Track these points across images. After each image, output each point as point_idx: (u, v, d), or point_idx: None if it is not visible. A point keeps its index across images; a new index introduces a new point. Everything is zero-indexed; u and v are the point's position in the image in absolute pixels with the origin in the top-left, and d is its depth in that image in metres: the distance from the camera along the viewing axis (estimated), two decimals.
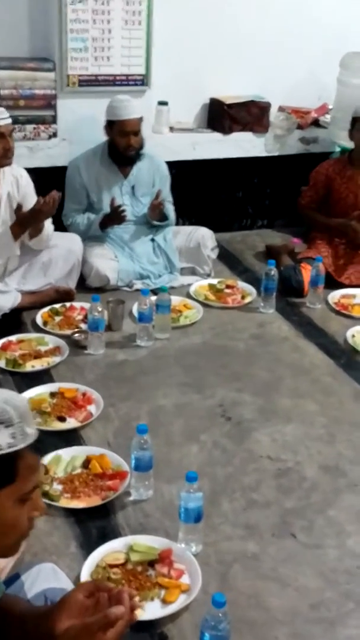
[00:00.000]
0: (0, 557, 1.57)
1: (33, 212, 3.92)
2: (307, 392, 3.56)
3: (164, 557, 2.43)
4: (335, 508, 2.81)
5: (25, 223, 3.96)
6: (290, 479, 2.95)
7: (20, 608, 1.66)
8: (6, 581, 1.82)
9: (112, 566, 2.39)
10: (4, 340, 3.75)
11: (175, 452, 3.07)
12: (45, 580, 1.85)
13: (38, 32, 4.64)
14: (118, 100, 4.39)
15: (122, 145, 4.42)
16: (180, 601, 2.31)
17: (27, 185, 4.13)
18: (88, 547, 2.51)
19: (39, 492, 1.56)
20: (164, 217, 4.59)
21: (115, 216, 4.40)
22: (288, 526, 2.71)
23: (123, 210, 4.37)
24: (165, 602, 2.30)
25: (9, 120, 3.91)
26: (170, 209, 4.67)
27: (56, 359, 3.65)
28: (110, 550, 2.46)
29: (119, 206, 4.37)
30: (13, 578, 1.84)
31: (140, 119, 4.41)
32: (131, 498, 2.77)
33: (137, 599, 2.23)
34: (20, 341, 3.77)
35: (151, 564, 2.42)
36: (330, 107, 5.45)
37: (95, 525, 2.63)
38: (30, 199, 4.04)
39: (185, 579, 2.39)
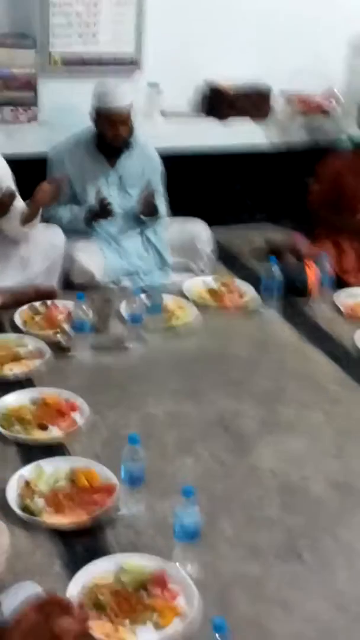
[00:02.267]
0: None
1: None
2: (313, 402, 3.56)
3: (158, 578, 2.41)
4: (345, 527, 2.80)
5: None
6: (295, 495, 2.95)
7: None
8: None
9: (100, 587, 2.37)
10: None
11: (169, 465, 3.06)
12: (26, 594, 1.84)
13: (17, 5, 4.65)
14: (105, 85, 4.38)
15: (109, 135, 4.40)
16: (175, 625, 2.29)
17: (5, 173, 4.14)
18: (73, 566, 2.49)
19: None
20: (154, 211, 4.59)
21: (101, 210, 4.39)
22: (293, 546, 2.70)
23: (109, 204, 4.37)
24: (158, 626, 2.29)
25: None
26: (161, 202, 4.67)
27: (37, 362, 3.63)
28: (98, 570, 2.44)
29: (105, 199, 4.36)
30: None
31: (130, 106, 4.40)
32: (120, 513, 2.75)
33: (127, 622, 2.24)
34: None
35: (143, 585, 2.40)
36: (338, 93, 5.47)
37: (81, 543, 2.61)
38: (4, 185, 4.05)
39: (180, 602, 2.37)
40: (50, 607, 1.58)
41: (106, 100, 4.34)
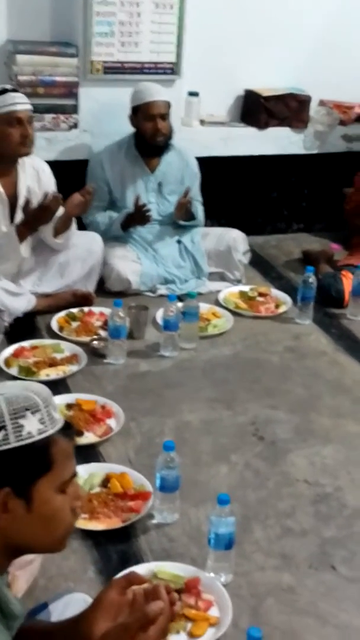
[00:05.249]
0: (48, 552, 1.64)
1: (40, 209, 3.91)
2: (348, 412, 3.53)
3: (191, 587, 2.39)
4: None
5: (31, 222, 3.95)
6: (330, 505, 2.91)
7: (42, 625, 1.67)
8: (32, 610, 1.81)
9: None
10: (16, 346, 3.74)
11: (203, 473, 3.04)
12: (75, 611, 1.82)
13: (61, 15, 4.65)
14: (141, 85, 4.43)
15: (148, 131, 4.39)
16: (209, 635, 2.27)
17: (49, 181, 4.14)
18: (107, 572, 2.49)
19: (77, 481, 1.56)
20: (191, 217, 4.58)
21: (138, 216, 4.38)
22: (327, 557, 2.67)
23: (147, 210, 4.36)
24: (192, 635, 2.27)
25: (28, 106, 3.93)
26: (199, 209, 4.66)
27: (73, 368, 3.64)
28: None
29: (143, 205, 4.36)
30: (40, 607, 1.83)
31: (168, 104, 4.40)
32: (155, 521, 2.74)
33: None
34: (34, 347, 3.75)
35: (177, 593, 2.38)
36: None
37: (115, 550, 2.61)
38: (49, 191, 4.04)
39: (214, 611, 2.35)
40: (137, 591, 1.59)
41: (143, 97, 4.37)
